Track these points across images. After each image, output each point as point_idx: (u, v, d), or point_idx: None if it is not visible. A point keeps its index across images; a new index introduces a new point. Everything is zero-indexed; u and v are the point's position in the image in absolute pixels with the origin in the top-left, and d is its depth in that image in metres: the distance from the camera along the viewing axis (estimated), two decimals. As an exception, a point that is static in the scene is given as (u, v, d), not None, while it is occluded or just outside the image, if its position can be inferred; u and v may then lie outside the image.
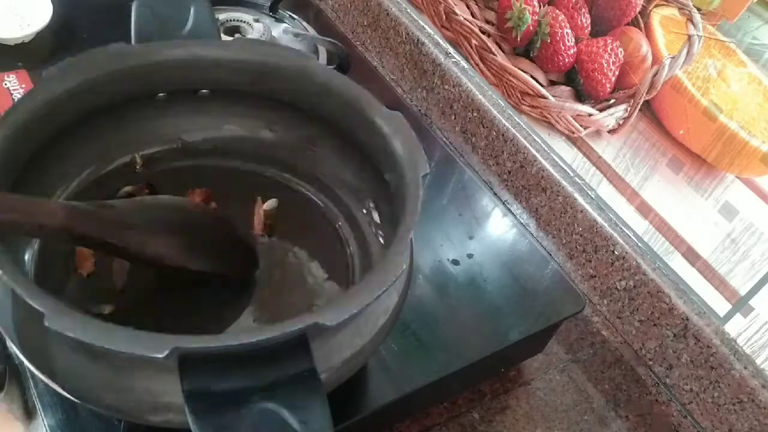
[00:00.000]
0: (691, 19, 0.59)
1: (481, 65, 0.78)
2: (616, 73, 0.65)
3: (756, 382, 0.59)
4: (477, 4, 0.76)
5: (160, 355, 0.38)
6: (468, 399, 0.63)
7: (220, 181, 0.62)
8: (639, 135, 0.65)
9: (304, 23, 0.86)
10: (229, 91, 0.61)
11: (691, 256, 0.63)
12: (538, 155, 0.73)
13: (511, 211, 0.73)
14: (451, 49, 0.80)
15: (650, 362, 0.67)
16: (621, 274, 0.67)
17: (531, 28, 0.71)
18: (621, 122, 0.66)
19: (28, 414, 0.55)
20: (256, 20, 0.83)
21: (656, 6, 0.61)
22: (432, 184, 0.71)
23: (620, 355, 0.68)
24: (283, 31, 0.84)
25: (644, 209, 0.66)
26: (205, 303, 0.55)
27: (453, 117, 0.81)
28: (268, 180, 0.63)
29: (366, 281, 0.49)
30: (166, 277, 0.54)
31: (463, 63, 0.79)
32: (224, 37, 0.76)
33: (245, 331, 0.42)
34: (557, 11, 0.68)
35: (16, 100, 0.68)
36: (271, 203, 0.62)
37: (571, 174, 0.71)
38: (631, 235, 0.67)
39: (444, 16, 0.80)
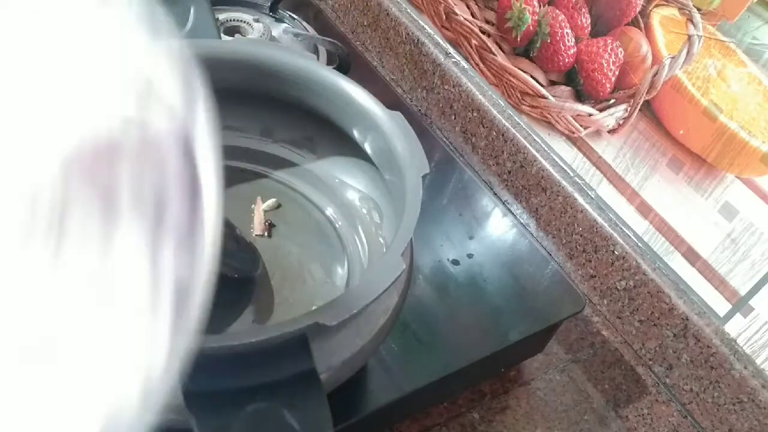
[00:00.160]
0: (691, 19, 0.59)
1: (481, 65, 0.78)
2: (616, 73, 0.65)
3: (756, 382, 0.59)
4: (477, 4, 0.76)
5: (160, 355, 0.38)
6: (468, 399, 0.63)
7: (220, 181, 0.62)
8: (639, 135, 0.65)
9: (304, 23, 0.86)
10: (229, 91, 0.60)
11: (691, 256, 0.63)
12: (538, 155, 0.73)
13: (511, 211, 0.73)
14: (451, 49, 0.80)
15: (650, 362, 0.67)
16: (621, 274, 0.67)
17: (531, 28, 0.71)
18: (621, 122, 0.66)
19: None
20: (256, 20, 0.83)
21: (656, 6, 0.61)
22: (432, 184, 0.71)
23: (620, 355, 0.68)
24: (283, 31, 0.84)
25: (644, 209, 0.66)
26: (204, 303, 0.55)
27: (453, 117, 0.81)
28: (268, 180, 0.63)
29: (366, 281, 0.49)
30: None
31: (463, 63, 0.79)
32: (224, 37, 0.76)
33: (245, 331, 0.42)
34: (557, 11, 0.68)
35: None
36: (271, 203, 0.62)
37: (571, 174, 0.71)
38: (631, 235, 0.67)
39: (444, 16, 0.80)
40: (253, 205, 0.61)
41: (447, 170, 0.74)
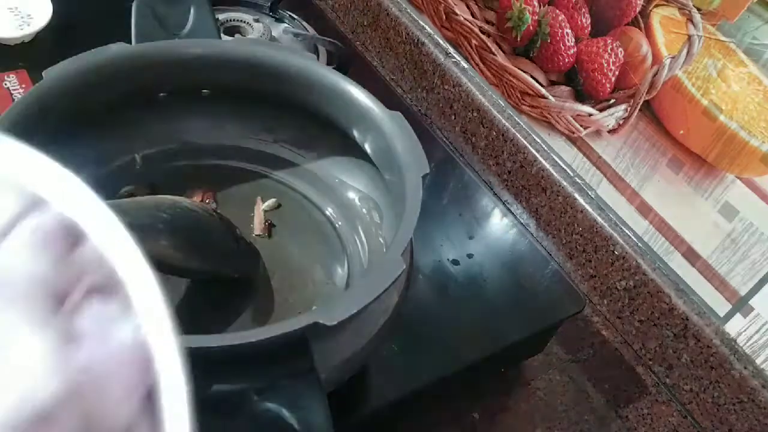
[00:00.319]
0: (691, 19, 0.59)
1: (481, 65, 0.78)
2: (616, 73, 0.65)
3: (756, 382, 0.59)
4: (477, 4, 0.76)
5: (160, 355, 0.38)
6: (468, 399, 0.63)
7: (220, 181, 0.62)
8: (639, 135, 0.65)
9: (304, 23, 0.86)
10: (229, 91, 0.61)
11: (691, 256, 0.63)
12: (538, 155, 0.73)
13: (511, 211, 0.73)
14: (451, 49, 0.80)
15: (650, 362, 0.67)
16: (621, 274, 0.67)
17: (531, 28, 0.71)
18: (621, 122, 0.66)
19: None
20: (256, 20, 0.83)
21: (656, 6, 0.61)
22: (432, 184, 0.71)
23: (620, 355, 0.68)
24: (283, 31, 0.84)
25: (644, 209, 0.66)
26: (205, 303, 0.55)
27: (453, 117, 0.81)
28: (268, 180, 0.63)
29: (366, 281, 0.49)
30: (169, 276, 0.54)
31: (463, 63, 0.79)
32: (224, 37, 0.76)
33: (245, 331, 0.42)
34: (557, 11, 0.68)
35: (16, 100, 0.68)
36: (271, 203, 0.62)
37: (571, 174, 0.71)
38: (631, 235, 0.67)
39: (444, 16, 0.80)
40: (253, 206, 0.61)
41: (447, 170, 0.74)
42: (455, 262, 0.65)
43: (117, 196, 0.58)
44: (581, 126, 0.70)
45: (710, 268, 0.62)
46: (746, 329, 0.60)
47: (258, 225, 0.60)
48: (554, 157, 0.73)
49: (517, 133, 0.74)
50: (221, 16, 0.81)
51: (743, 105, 0.57)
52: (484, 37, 0.76)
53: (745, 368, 0.59)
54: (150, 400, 0.21)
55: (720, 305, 0.62)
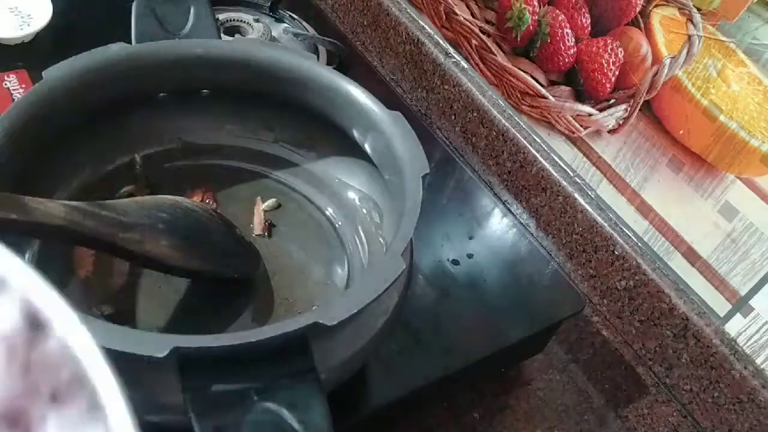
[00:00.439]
0: (691, 19, 0.59)
1: (481, 65, 0.78)
2: (616, 73, 0.65)
3: (756, 382, 0.59)
4: (477, 4, 0.76)
5: (160, 355, 0.38)
6: (468, 399, 0.63)
7: (220, 181, 0.62)
8: (639, 135, 0.65)
9: (304, 23, 0.86)
10: (229, 91, 0.61)
11: (691, 256, 0.63)
12: (538, 155, 0.73)
13: (511, 211, 0.73)
14: (451, 49, 0.80)
15: (650, 362, 0.67)
16: (621, 274, 0.67)
17: (531, 28, 0.71)
18: (621, 122, 0.66)
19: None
20: (256, 20, 0.83)
21: (656, 6, 0.61)
22: (432, 184, 0.71)
23: (620, 355, 0.68)
24: (283, 31, 0.84)
25: (644, 209, 0.66)
26: (205, 303, 0.55)
27: (453, 117, 0.81)
28: (268, 180, 0.63)
29: (366, 281, 0.49)
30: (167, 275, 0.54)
31: (463, 63, 0.79)
32: (224, 37, 0.76)
33: (245, 331, 0.42)
34: (557, 11, 0.68)
35: (16, 100, 0.68)
36: (271, 203, 0.62)
37: (571, 174, 0.71)
38: (631, 235, 0.67)
39: (444, 16, 0.80)
40: (253, 206, 0.61)
41: (447, 170, 0.74)
42: (455, 262, 0.65)
43: (117, 196, 0.58)
44: (581, 126, 0.70)
45: (710, 268, 0.62)
46: (746, 329, 0.60)
47: (258, 225, 0.60)
48: (554, 157, 0.73)
49: (517, 133, 0.74)
50: (221, 16, 0.81)
51: (743, 105, 0.57)
52: (484, 37, 0.76)
53: (745, 368, 0.59)
54: None
55: (720, 305, 0.62)
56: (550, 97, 0.72)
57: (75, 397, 0.20)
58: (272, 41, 0.81)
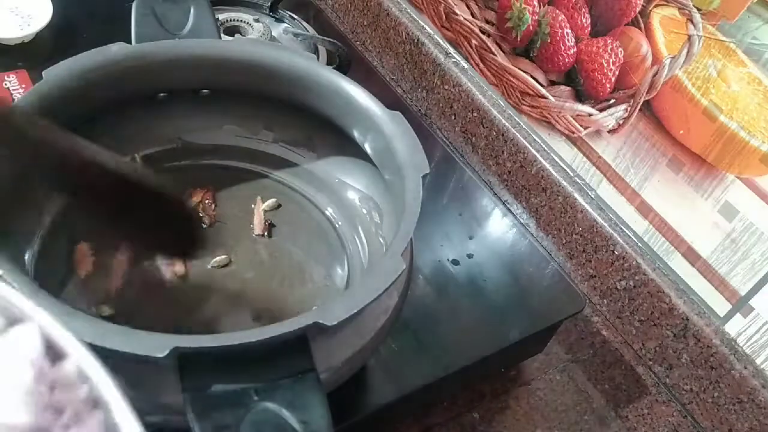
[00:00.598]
0: (691, 19, 0.59)
1: (481, 65, 0.78)
2: (616, 73, 0.65)
3: (756, 382, 0.59)
4: (477, 4, 0.76)
5: (160, 355, 0.38)
6: (468, 399, 0.63)
7: (220, 181, 0.62)
8: (639, 135, 0.65)
9: (304, 23, 0.86)
10: (229, 91, 0.61)
11: (691, 256, 0.63)
12: (538, 155, 0.73)
13: (511, 211, 0.73)
14: (451, 49, 0.80)
15: (650, 362, 0.67)
16: (621, 274, 0.67)
17: (531, 28, 0.71)
18: (621, 122, 0.66)
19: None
20: (256, 20, 0.83)
21: (656, 6, 0.61)
22: (432, 184, 0.71)
23: (620, 355, 0.68)
24: (283, 31, 0.84)
25: (644, 209, 0.66)
26: (205, 303, 0.55)
27: (453, 117, 0.81)
28: (268, 180, 0.63)
29: (366, 281, 0.49)
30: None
31: (463, 63, 0.79)
32: (224, 37, 0.76)
33: (245, 331, 0.42)
34: (557, 11, 0.68)
35: (16, 100, 0.68)
36: (271, 203, 0.62)
37: (571, 174, 0.71)
38: (631, 235, 0.67)
39: (444, 16, 0.80)
40: (253, 205, 0.61)
41: (447, 170, 0.74)
42: (455, 262, 0.65)
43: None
44: (581, 126, 0.70)
45: (710, 268, 0.62)
46: (746, 329, 0.60)
47: (258, 225, 0.60)
48: (554, 157, 0.73)
49: (517, 133, 0.74)
50: (221, 16, 0.81)
51: (743, 105, 0.57)
52: (484, 37, 0.76)
53: (745, 368, 0.60)
54: None
55: (720, 305, 0.62)
56: (550, 97, 0.72)
57: (92, 414, 0.23)
58: (272, 41, 0.81)
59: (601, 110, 0.67)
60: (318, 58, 0.79)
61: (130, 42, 0.56)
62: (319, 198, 0.62)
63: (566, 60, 0.69)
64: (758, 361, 0.60)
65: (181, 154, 0.62)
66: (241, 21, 0.83)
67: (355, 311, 0.43)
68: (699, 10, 0.58)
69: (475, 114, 0.78)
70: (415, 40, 0.82)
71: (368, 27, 0.89)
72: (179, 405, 0.39)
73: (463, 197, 0.72)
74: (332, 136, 0.60)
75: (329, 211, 0.62)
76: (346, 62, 0.80)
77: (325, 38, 0.82)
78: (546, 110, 0.72)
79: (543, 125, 0.73)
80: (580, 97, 0.69)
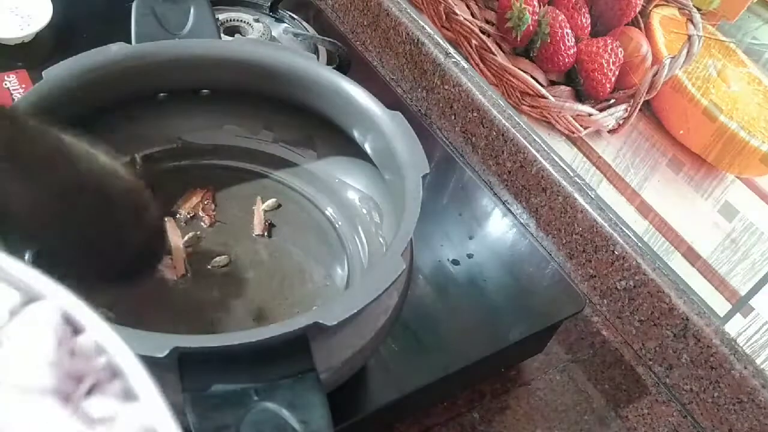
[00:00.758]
0: (691, 19, 0.59)
1: (481, 65, 0.78)
2: (616, 73, 0.65)
3: (756, 382, 0.59)
4: (477, 4, 0.76)
5: (160, 355, 0.38)
6: (468, 399, 0.63)
7: (220, 181, 0.62)
8: (639, 135, 0.65)
9: (304, 23, 0.86)
10: (229, 91, 0.61)
11: (691, 256, 0.63)
12: (538, 155, 0.73)
13: (511, 211, 0.73)
14: (451, 49, 0.80)
15: (650, 362, 0.67)
16: (621, 274, 0.67)
17: (531, 28, 0.71)
18: (621, 122, 0.66)
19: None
20: (256, 20, 0.83)
21: (656, 6, 0.61)
22: (432, 184, 0.71)
23: (620, 355, 0.68)
24: (283, 31, 0.84)
25: (644, 209, 0.66)
26: (205, 303, 0.55)
27: (453, 117, 0.81)
28: (268, 180, 0.63)
29: (366, 281, 0.49)
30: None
31: (463, 63, 0.79)
32: (224, 37, 0.76)
33: (245, 331, 0.42)
34: (557, 11, 0.68)
35: (16, 100, 0.68)
36: (271, 203, 0.62)
37: (571, 174, 0.71)
38: (631, 235, 0.67)
39: (444, 16, 0.80)
40: (253, 206, 0.61)
41: (447, 170, 0.74)
42: (455, 262, 0.65)
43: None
44: (581, 126, 0.70)
45: (710, 268, 0.62)
46: (746, 329, 0.60)
47: (258, 225, 0.60)
48: (554, 157, 0.73)
49: (517, 133, 0.74)
50: (221, 16, 0.81)
51: (743, 105, 0.57)
52: (484, 37, 0.76)
53: (745, 368, 0.60)
54: None
55: (720, 305, 0.62)
56: (550, 97, 0.72)
57: (112, 382, 0.24)
58: (272, 41, 0.81)
59: (601, 110, 0.67)
60: (318, 58, 0.79)
61: (130, 42, 0.56)
62: (319, 198, 0.62)
63: (566, 60, 0.69)
64: (758, 361, 0.60)
65: (181, 154, 0.62)
66: (241, 21, 0.83)
67: (355, 311, 0.43)
68: (699, 10, 0.58)
69: (475, 114, 0.78)
70: (415, 40, 0.82)
71: (368, 27, 0.89)
72: (179, 405, 0.39)
73: (463, 197, 0.72)
74: (332, 136, 0.60)
75: (329, 211, 0.62)
76: (346, 62, 0.80)
77: (325, 38, 0.82)
78: (546, 110, 0.72)
79: (543, 125, 0.73)
80: (580, 97, 0.69)
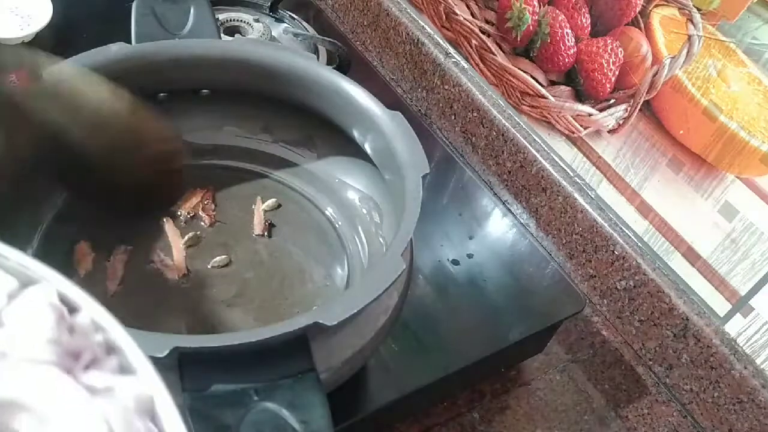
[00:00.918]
0: (691, 19, 0.59)
1: (481, 65, 0.78)
2: (616, 73, 0.65)
3: (756, 382, 0.59)
4: (477, 4, 0.76)
5: (160, 355, 0.38)
6: (468, 399, 0.63)
7: (220, 181, 0.62)
8: (639, 135, 0.65)
9: (304, 23, 0.86)
10: (229, 91, 0.61)
11: (691, 256, 0.63)
12: (538, 155, 0.73)
13: (511, 211, 0.73)
14: (451, 49, 0.80)
15: (650, 362, 0.67)
16: (621, 274, 0.67)
17: (531, 28, 0.71)
18: (621, 122, 0.66)
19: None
20: (256, 20, 0.83)
21: (656, 6, 0.61)
22: (432, 184, 0.71)
23: (620, 355, 0.68)
24: (283, 31, 0.84)
25: (644, 209, 0.66)
26: (205, 303, 0.55)
27: (453, 117, 0.81)
28: (268, 180, 0.63)
29: (366, 281, 0.49)
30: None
31: (463, 63, 0.79)
32: (224, 37, 0.76)
33: (245, 331, 0.42)
34: (557, 11, 0.68)
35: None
36: (271, 203, 0.62)
37: (571, 174, 0.71)
38: (631, 235, 0.67)
39: (444, 16, 0.80)
40: (253, 206, 0.61)
41: (447, 170, 0.74)
42: (455, 262, 0.65)
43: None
44: (581, 126, 0.70)
45: (710, 268, 0.62)
46: (746, 329, 0.60)
47: (258, 225, 0.60)
48: (554, 157, 0.73)
49: (517, 133, 0.74)
50: (221, 16, 0.81)
51: (743, 105, 0.57)
52: (484, 37, 0.76)
53: (745, 368, 0.60)
54: None
55: (720, 305, 0.62)
56: (550, 97, 0.72)
57: (109, 358, 0.25)
58: (272, 41, 0.81)
59: (601, 110, 0.67)
60: (318, 58, 0.79)
61: (130, 42, 0.56)
62: (319, 198, 0.62)
63: (566, 60, 0.69)
64: (758, 361, 0.60)
65: (181, 154, 0.62)
66: (241, 21, 0.83)
67: (355, 311, 0.43)
68: (699, 10, 0.58)
69: (475, 114, 0.78)
70: (415, 40, 0.82)
71: (368, 27, 0.89)
72: (179, 405, 0.39)
73: (463, 197, 0.72)
74: (332, 136, 0.60)
75: (329, 211, 0.62)
76: (346, 62, 0.80)
77: (325, 38, 0.82)
78: (546, 110, 0.72)
79: (543, 125, 0.73)
80: (580, 97, 0.69)
